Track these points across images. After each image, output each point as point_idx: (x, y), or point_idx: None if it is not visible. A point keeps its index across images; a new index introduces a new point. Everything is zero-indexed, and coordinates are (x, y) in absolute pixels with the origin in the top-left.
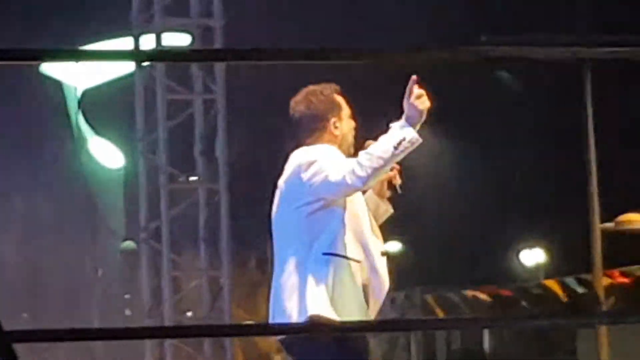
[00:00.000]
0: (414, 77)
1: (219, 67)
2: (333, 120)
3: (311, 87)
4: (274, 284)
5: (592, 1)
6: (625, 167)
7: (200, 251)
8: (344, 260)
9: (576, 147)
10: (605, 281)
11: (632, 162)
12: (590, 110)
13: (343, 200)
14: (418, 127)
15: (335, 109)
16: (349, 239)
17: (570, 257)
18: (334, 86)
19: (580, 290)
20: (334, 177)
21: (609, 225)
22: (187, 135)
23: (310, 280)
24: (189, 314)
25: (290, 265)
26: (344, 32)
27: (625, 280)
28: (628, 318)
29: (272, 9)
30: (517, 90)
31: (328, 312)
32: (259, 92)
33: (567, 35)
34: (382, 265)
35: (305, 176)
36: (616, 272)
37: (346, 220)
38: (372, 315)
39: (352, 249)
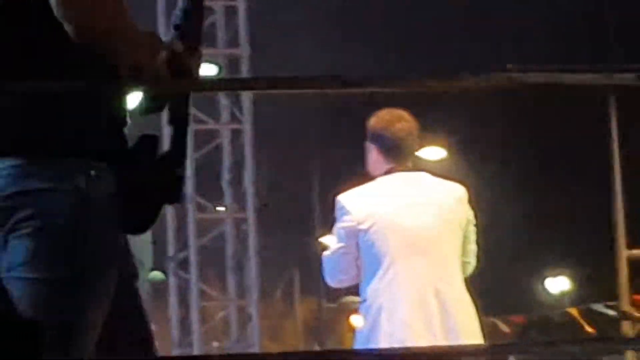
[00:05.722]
0: None
1: (246, 97)
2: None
3: (402, 111)
4: (438, 299)
5: (620, 36)
6: None
7: (227, 281)
8: None
9: (601, 174)
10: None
11: None
12: (616, 138)
13: None
14: None
15: None
16: None
17: (596, 285)
18: None
19: (610, 313)
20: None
21: (636, 252)
22: (214, 165)
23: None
24: (215, 344)
25: (458, 283)
26: (374, 62)
27: None
28: None
29: (297, 39)
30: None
31: None
32: (286, 121)
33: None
34: None
35: (469, 212)
36: None
37: None
38: None
39: None
